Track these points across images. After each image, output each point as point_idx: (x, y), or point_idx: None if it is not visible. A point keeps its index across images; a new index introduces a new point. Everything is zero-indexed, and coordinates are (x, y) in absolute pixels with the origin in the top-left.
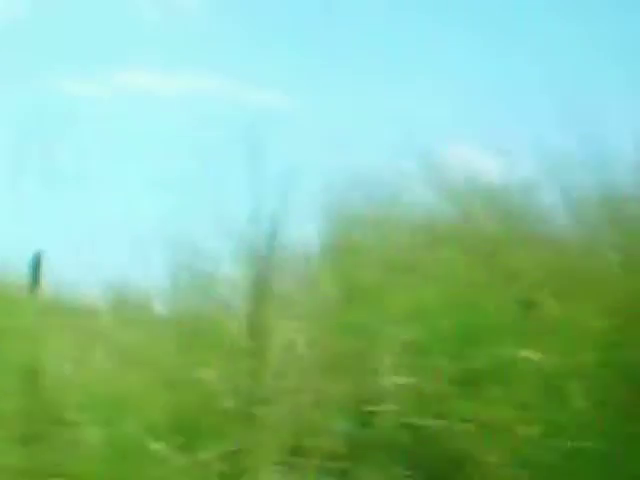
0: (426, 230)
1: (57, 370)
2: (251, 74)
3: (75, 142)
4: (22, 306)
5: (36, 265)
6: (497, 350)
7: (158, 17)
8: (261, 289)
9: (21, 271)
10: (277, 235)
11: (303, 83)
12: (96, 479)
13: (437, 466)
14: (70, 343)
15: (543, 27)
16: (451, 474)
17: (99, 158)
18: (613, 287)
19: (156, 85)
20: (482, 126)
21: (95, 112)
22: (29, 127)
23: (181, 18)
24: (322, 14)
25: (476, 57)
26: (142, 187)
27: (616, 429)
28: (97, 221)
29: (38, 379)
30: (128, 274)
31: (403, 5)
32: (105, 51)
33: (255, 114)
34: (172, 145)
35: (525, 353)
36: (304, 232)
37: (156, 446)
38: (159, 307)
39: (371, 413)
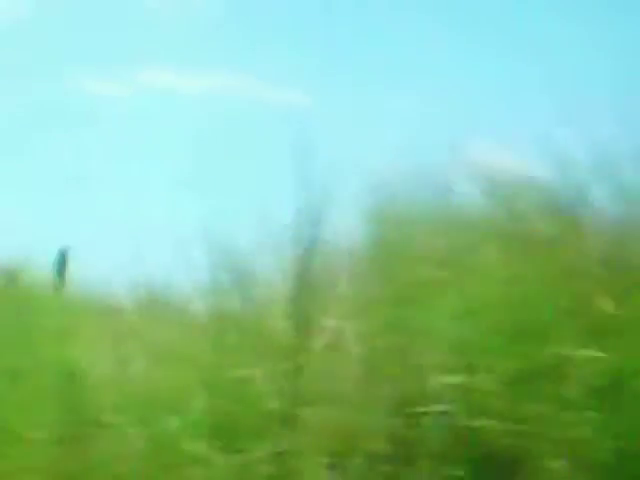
0: (474, 227)
1: (94, 370)
2: (271, 73)
3: (98, 140)
4: (50, 304)
5: (62, 262)
6: (550, 348)
7: (176, 16)
8: (305, 287)
9: (45, 268)
10: (321, 233)
11: (322, 82)
12: None
13: (487, 468)
14: (105, 342)
15: (543, 27)
16: (503, 476)
17: (122, 156)
18: None
19: (177, 84)
20: (484, 124)
21: (117, 111)
22: (52, 125)
23: (201, 18)
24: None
25: (476, 56)
26: (166, 186)
27: None
28: (121, 218)
29: (75, 379)
30: (167, 274)
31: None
32: (126, 50)
33: (277, 112)
34: (197, 143)
35: (580, 352)
36: (348, 230)
37: (197, 447)
38: (199, 306)
39: (419, 413)
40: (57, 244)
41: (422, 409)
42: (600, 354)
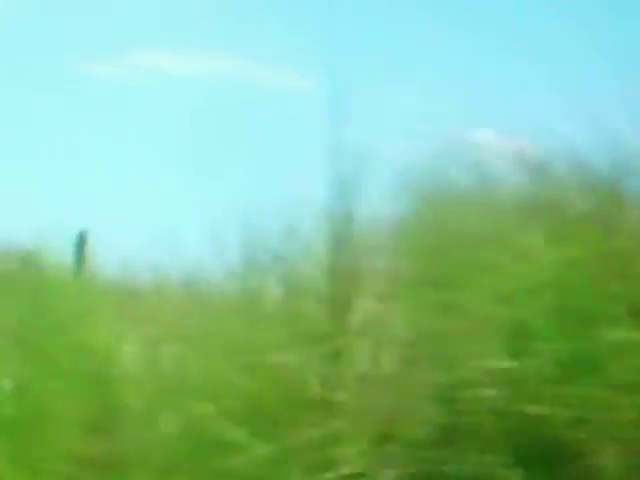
0: (518, 207)
1: (125, 356)
2: (268, 54)
3: (104, 122)
4: (70, 288)
5: (81, 244)
6: (600, 332)
7: None
8: (341, 267)
9: (64, 252)
10: (356, 210)
11: (316, 64)
12: (172, 469)
13: (535, 455)
14: (131, 327)
15: (545, 24)
16: (551, 463)
17: (129, 139)
18: None
19: (171, 65)
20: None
21: (111, 91)
22: (58, 108)
23: None
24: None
25: (476, 55)
26: (176, 168)
27: None
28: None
29: (106, 366)
30: (195, 255)
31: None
32: (121, 32)
33: (273, 94)
34: (197, 125)
35: (632, 335)
36: (383, 211)
37: (235, 434)
38: (231, 289)
39: (464, 399)
40: (76, 227)
41: (467, 394)
42: None
